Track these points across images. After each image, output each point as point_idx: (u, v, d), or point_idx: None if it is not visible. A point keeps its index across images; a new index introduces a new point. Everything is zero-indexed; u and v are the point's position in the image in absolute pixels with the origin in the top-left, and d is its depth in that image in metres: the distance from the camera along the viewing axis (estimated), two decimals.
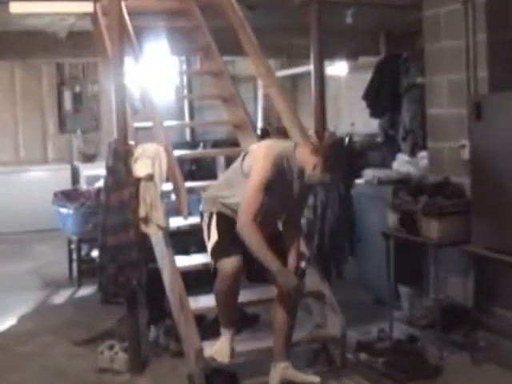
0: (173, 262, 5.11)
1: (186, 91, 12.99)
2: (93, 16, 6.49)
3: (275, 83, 6.20)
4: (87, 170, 11.39)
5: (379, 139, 9.79)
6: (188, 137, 12.98)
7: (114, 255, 5.15)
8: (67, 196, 8.22)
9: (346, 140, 9.20)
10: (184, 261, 5.30)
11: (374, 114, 9.43)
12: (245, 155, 4.65)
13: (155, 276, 5.27)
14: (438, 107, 6.18)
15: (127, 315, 5.40)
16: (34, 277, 8.55)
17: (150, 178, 5.13)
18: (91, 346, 5.76)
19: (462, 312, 5.74)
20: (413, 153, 7.96)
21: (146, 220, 5.14)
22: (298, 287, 4.56)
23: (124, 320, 5.58)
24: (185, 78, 12.95)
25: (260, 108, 13.53)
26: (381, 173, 6.94)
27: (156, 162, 5.15)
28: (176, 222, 5.38)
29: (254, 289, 5.12)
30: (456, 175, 5.87)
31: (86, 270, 7.92)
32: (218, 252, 4.57)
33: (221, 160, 8.70)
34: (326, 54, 6.18)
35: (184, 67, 11.95)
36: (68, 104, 12.72)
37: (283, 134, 6.02)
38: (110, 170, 5.21)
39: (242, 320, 5.79)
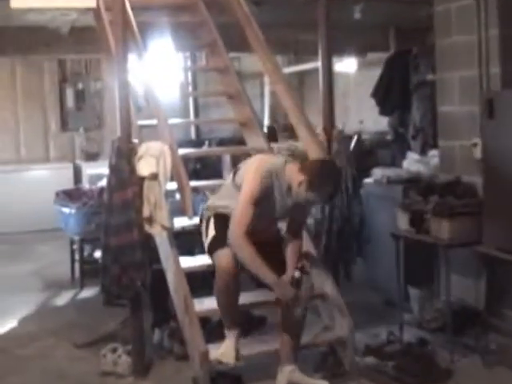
0: (177, 262, 5.11)
1: (190, 88, 13.00)
2: (95, 11, 6.50)
3: (282, 80, 6.20)
4: (90, 169, 11.39)
5: (389, 137, 9.80)
6: (193, 135, 12.98)
7: (117, 256, 5.15)
8: (69, 195, 8.23)
9: (355, 138, 9.22)
10: (189, 262, 5.30)
11: (384, 111, 9.44)
12: (235, 171, 4.80)
13: (159, 277, 5.26)
14: (449, 104, 6.17)
15: (131, 317, 5.40)
16: (36, 278, 8.55)
17: (154, 177, 5.13)
18: (93, 348, 5.77)
19: (474, 314, 5.74)
20: (423, 151, 7.96)
21: (150, 220, 5.14)
22: (296, 297, 4.58)
23: (127, 322, 5.59)
24: (190, 74, 12.95)
25: (266, 105, 13.52)
26: (390, 172, 6.93)
27: (160, 160, 5.15)
28: (180, 222, 5.39)
29: (260, 290, 5.12)
30: (467, 174, 5.87)
31: (88, 271, 7.92)
32: (215, 245, 4.69)
33: (226, 159, 8.72)
34: (334, 50, 6.18)
35: (189, 64, 11.96)
36: (70, 101, 12.72)
37: (290, 131, 6.01)
38: (113, 169, 5.21)
39: (249, 322, 5.80)
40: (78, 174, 12.13)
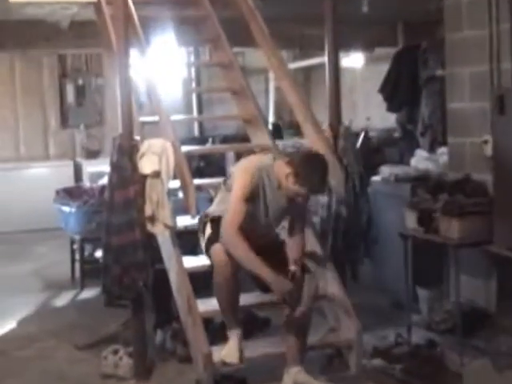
0: (180, 262, 5.11)
1: (194, 84, 13.01)
2: (96, 5, 6.51)
3: (287, 75, 6.20)
4: (90, 167, 11.39)
5: (396, 134, 9.81)
6: (196, 132, 13.01)
7: (118, 255, 5.16)
8: (70, 194, 8.24)
9: (362, 135, 9.22)
10: (192, 261, 5.30)
11: (391, 107, 9.44)
12: (225, 180, 4.92)
13: (162, 277, 5.27)
14: (459, 101, 6.16)
15: (132, 318, 5.41)
16: (35, 278, 8.57)
17: (157, 174, 5.13)
18: (94, 350, 5.77)
19: (484, 316, 5.74)
20: (432, 149, 7.96)
21: (153, 219, 5.14)
22: (293, 291, 4.59)
23: (129, 323, 5.59)
24: (193, 70, 12.95)
25: (271, 101, 13.54)
26: (398, 170, 6.93)
27: (163, 158, 5.15)
28: (183, 221, 5.39)
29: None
30: (478, 172, 5.86)
31: (89, 271, 7.93)
32: (211, 242, 4.75)
33: (230, 156, 8.73)
34: (341, 44, 6.18)
35: (192, 59, 11.97)
36: (70, 97, 12.73)
37: (295, 128, 6.02)
38: (115, 167, 5.21)
39: (253, 324, 5.81)
40: (78, 172, 12.14)
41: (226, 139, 10.91)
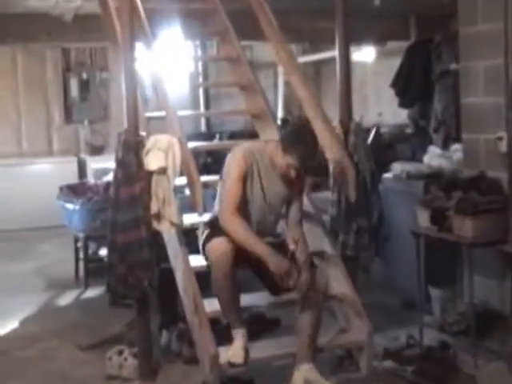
0: (186, 261, 5.12)
1: (201, 78, 13.02)
2: None
3: (297, 70, 6.20)
4: (95, 163, 11.44)
5: (409, 130, 9.80)
6: (203, 127, 13.00)
7: (123, 254, 5.16)
8: (73, 190, 8.26)
9: (373, 131, 9.21)
10: (198, 260, 5.29)
11: (403, 103, 9.44)
12: (221, 176, 4.96)
13: (168, 276, 5.28)
14: (474, 96, 6.15)
15: (137, 318, 5.42)
16: (38, 277, 8.59)
17: (163, 171, 5.14)
18: (98, 351, 5.79)
19: (498, 317, 5.73)
20: (445, 145, 7.96)
21: (159, 216, 5.15)
22: (291, 270, 4.61)
23: (134, 324, 5.60)
24: (200, 64, 12.97)
25: (280, 96, 13.52)
26: (410, 167, 6.93)
27: (169, 154, 5.16)
28: (190, 219, 5.39)
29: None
30: (492, 169, 5.85)
31: (93, 270, 7.95)
32: (208, 240, 4.77)
33: None
34: (352, 38, 6.16)
35: (199, 53, 11.98)
36: (74, 92, 12.75)
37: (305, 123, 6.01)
38: (120, 163, 5.22)
39: (262, 324, 5.82)
40: (82, 169, 12.16)
41: (233, 135, 10.91)
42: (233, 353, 4.73)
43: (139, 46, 5.57)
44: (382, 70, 11.28)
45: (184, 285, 5.13)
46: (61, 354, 5.98)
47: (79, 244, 8.19)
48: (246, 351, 4.74)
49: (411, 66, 9.15)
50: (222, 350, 4.76)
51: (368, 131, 8.82)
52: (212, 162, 9.64)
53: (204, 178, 5.56)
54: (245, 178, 4.74)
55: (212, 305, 4.99)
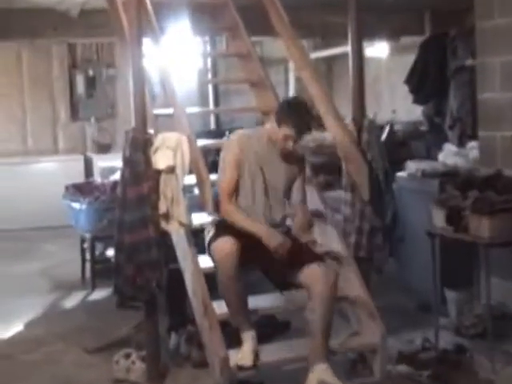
0: (196, 262, 5.11)
1: (210, 75, 13.01)
2: None
3: (308, 66, 6.19)
4: (102, 162, 11.42)
5: (423, 128, 9.77)
6: (212, 125, 13.00)
7: (131, 254, 5.16)
8: (80, 190, 8.27)
9: (387, 128, 9.19)
10: (208, 261, 5.30)
11: (418, 99, 9.41)
12: None
13: (176, 277, 5.28)
14: (490, 91, 6.14)
15: (145, 321, 5.42)
16: (43, 278, 8.60)
17: (171, 170, 5.14)
18: (105, 354, 5.80)
19: None
20: (461, 143, 7.93)
21: (167, 216, 5.15)
22: (286, 244, 4.69)
23: (142, 326, 5.61)
24: (209, 60, 12.96)
25: (291, 93, 13.51)
26: (425, 165, 6.92)
27: (178, 152, 5.16)
28: (199, 219, 5.39)
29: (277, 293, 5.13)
30: (509, 168, 5.84)
31: (100, 271, 7.96)
32: (214, 239, 4.82)
33: None
34: (365, 33, 6.16)
35: (208, 48, 11.97)
36: (81, 89, 12.76)
37: (317, 121, 6.00)
38: (128, 162, 5.22)
39: (273, 327, 5.81)
40: (89, 167, 12.17)
41: None
42: (242, 356, 4.74)
43: (147, 42, 5.57)
44: (396, 66, 11.26)
45: (193, 286, 5.13)
46: (67, 357, 5.98)
47: (86, 244, 8.20)
48: (256, 354, 4.74)
49: (426, 61, 9.12)
50: (231, 353, 4.76)
51: (381, 128, 8.79)
52: None
53: (213, 177, 5.56)
54: (239, 165, 4.88)
55: (221, 307, 4.98)
